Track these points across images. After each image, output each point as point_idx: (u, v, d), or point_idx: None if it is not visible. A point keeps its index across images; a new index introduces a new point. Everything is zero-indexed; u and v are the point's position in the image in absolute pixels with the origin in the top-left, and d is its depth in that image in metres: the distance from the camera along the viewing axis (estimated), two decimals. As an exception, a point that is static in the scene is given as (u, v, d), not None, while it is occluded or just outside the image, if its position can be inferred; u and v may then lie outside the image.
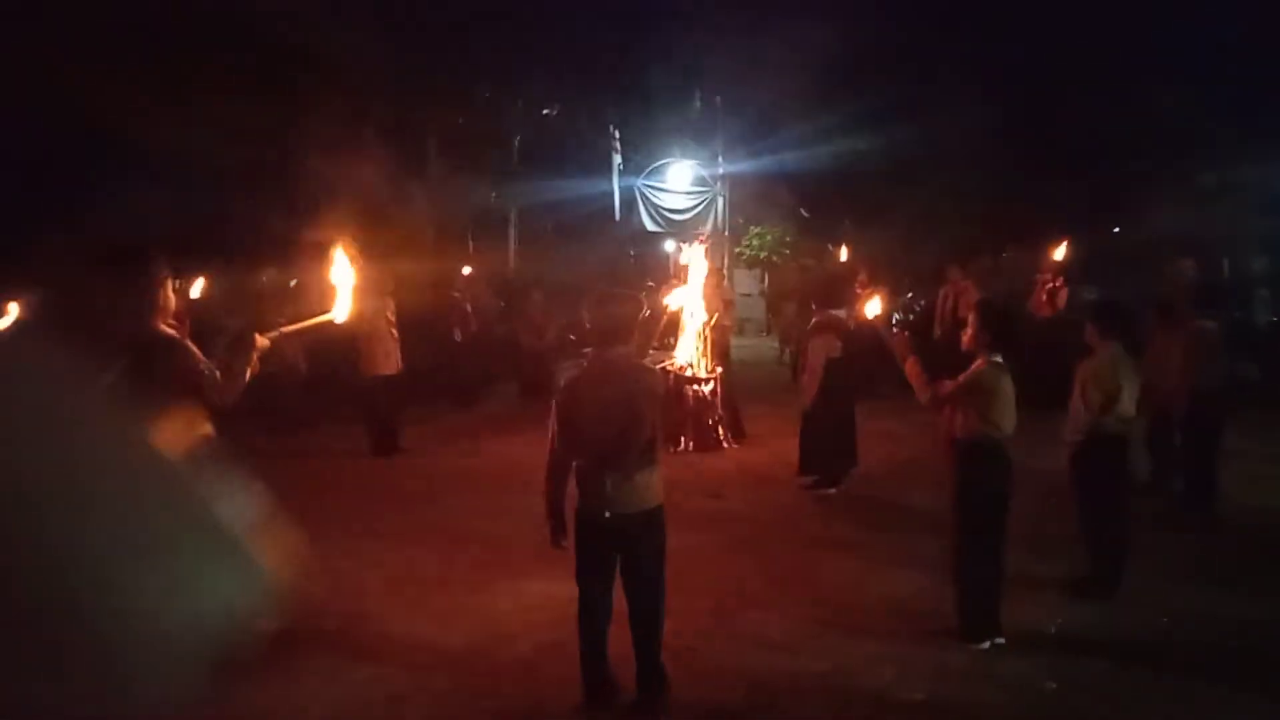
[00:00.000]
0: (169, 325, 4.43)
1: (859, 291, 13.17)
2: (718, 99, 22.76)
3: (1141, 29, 19.69)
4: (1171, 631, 5.47)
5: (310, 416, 11.84)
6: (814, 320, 8.84)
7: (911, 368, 5.56)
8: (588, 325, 4.59)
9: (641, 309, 4.68)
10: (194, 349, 4.35)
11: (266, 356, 4.64)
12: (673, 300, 8.77)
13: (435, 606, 5.98)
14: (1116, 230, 21.27)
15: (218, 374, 4.33)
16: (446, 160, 17.51)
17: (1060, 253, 12.04)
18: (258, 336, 4.54)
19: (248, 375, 4.47)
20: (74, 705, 1.37)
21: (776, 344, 18.49)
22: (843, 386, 8.58)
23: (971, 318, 5.38)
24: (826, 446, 8.55)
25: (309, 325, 4.95)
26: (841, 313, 9.00)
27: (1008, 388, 5.16)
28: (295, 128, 13.39)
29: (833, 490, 8.52)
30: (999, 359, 5.20)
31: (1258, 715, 4.50)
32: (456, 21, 15.41)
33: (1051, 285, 12.06)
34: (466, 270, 14.44)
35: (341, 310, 4.97)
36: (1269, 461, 9.23)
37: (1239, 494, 7.85)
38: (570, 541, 4.55)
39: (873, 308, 6.42)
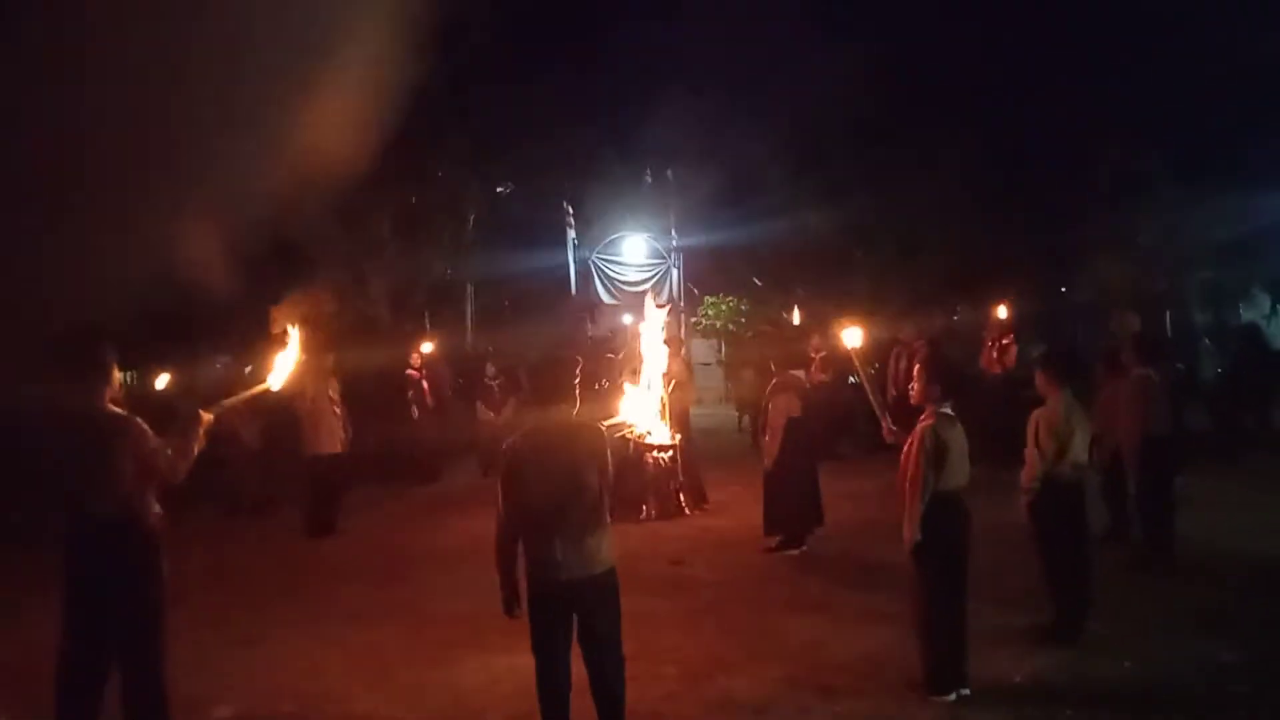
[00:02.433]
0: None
1: (813, 355, 13.47)
2: (669, 174, 23.16)
3: (1086, 89, 20.35)
4: (1135, 677, 5.51)
5: (269, 498, 11.72)
6: (773, 381, 8.92)
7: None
8: (527, 389, 4.64)
9: (577, 369, 4.70)
10: (146, 427, 4.51)
11: (215, 432, 4.83)
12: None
13: (399, 684, 5.87)
14: (1064, 290, 21.77)
15: (169, 451, 4.48)
16: (401, 236, 17.56)
17: (1003, 311, 12.35)
18: (202, 413, 4.77)
19: (196, 450, 4.71)
20: None
21: (735, 412, 18.56)
22: (804, 445, 8.65)
23: (918, 371, 5.47)
24: (790, 506, 8.58)
25: (247, 396, 5.20)
26: (800, 373, 9.12)
27: (959, 439, 5.23)
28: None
29: (796, 551, 8.53)
30: (949, 410, 5.28)
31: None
32: (411, 100, 15.59)
33: (1000, 343, 12.38)
34: (428, 347, 14.40)
35: (277, 379, 5.08)
36: (1223, 506, 9.38)
37: (1197, 540, 7.95)
38: (524, 610, 4.51)
39: (851, 337, 6.53)
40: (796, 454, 8.54)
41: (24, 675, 5.64)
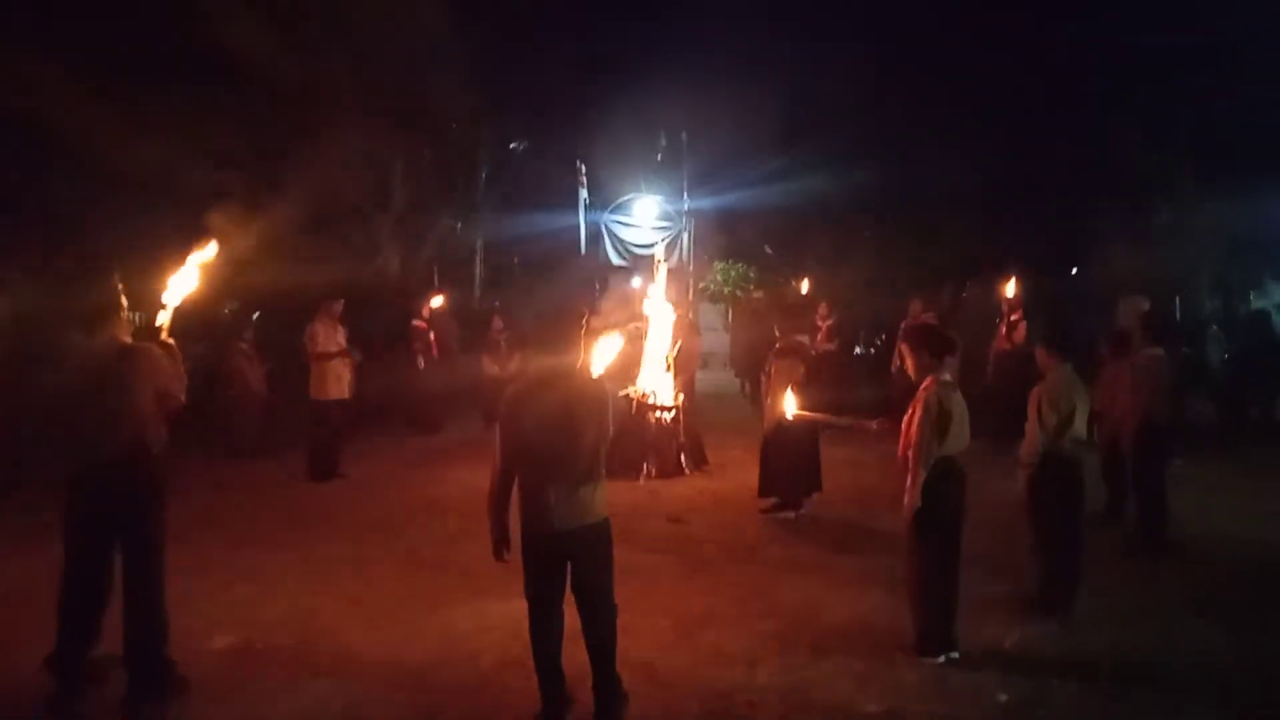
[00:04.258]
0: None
1: (819, 323, 13.46)
2: (683, 136, 23.00)
3: (1104, 74, 20.23)
4: (1122, 652, 5.55)
5: (273, 443, 11.79)
6: (778, 344, 8.92)
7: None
8: (531, 337, 4.62)
9: (582, 320, 4.71)
10: (158, 351, 4.90)
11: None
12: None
13: (394, 625, 5.95)
14: (1074, 270, 21.73)
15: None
16: (411, 190, 17.53)
17: (1012, 288, 12.29)
18: (167, 340, 5.17)
19: (183, 371, 5.11)
20: None
21: (737, 378, 18.56)
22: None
23: (902, 347, 5.47)
24: (787, 470, 8.60)
25: (168, 314, 5.28)
26: (804, 338, 9.12)
27: (960, 405, 5.25)
28: (263, 153, 13.40)
29: (793, 514, 8.58)
30: (948, 377, 5.30)
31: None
32: (427, 54, 15.52)
33: (1009, 319, 12.34)
34: (437, 301, 14.42)
35: (171, 296, 5.33)
36: (1221, 491, 9.40)
37: (1191, 522, 7.99)
38: (517, 557, 4.54)
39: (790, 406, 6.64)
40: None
41: (24, 603, 5.75)
